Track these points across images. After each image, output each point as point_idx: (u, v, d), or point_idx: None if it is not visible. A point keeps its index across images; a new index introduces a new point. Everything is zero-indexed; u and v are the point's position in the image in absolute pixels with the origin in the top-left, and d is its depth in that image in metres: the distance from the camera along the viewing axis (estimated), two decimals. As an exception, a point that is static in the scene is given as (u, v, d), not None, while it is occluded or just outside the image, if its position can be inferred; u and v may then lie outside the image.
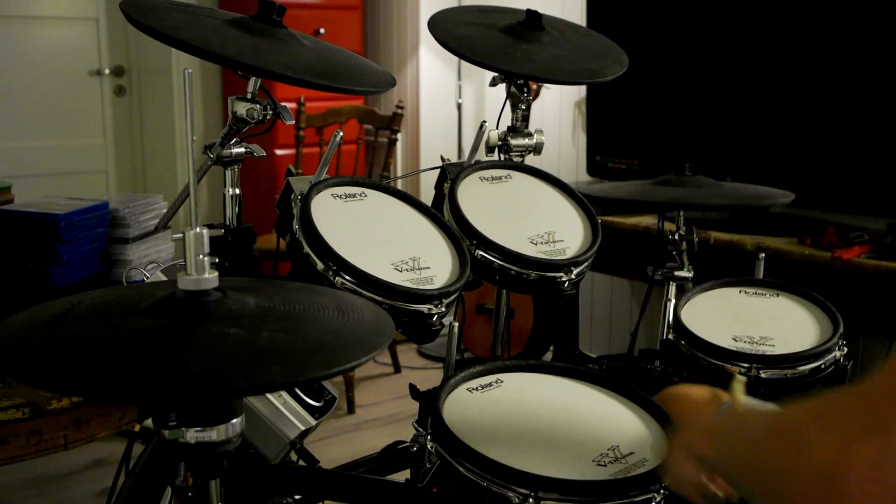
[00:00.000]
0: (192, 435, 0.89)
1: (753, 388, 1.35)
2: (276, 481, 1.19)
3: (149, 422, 0.96)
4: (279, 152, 4.07)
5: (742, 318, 1.52)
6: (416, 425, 1.18)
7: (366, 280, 1.21)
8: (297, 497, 1.21)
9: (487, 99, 4.19)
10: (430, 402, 1.17)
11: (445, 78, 4.31)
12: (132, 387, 0.77)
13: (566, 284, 1.41)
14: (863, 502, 0.62)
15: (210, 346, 0.81)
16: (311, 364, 0.80)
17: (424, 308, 1.25)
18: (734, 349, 1.41)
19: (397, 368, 3.82)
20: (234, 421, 0.92)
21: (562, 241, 1.47)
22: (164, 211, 1.80)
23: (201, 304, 0.87)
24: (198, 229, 0.91)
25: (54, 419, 1.37)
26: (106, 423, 1.46)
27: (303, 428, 1.19)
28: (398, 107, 3.69)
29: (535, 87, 3.51)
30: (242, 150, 1.41)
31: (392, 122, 3.69)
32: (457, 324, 1.24)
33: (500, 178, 1.57)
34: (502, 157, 1.66)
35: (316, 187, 1.31)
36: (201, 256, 0.89)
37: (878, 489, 0.61)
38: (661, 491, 1.08)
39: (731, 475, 0.85)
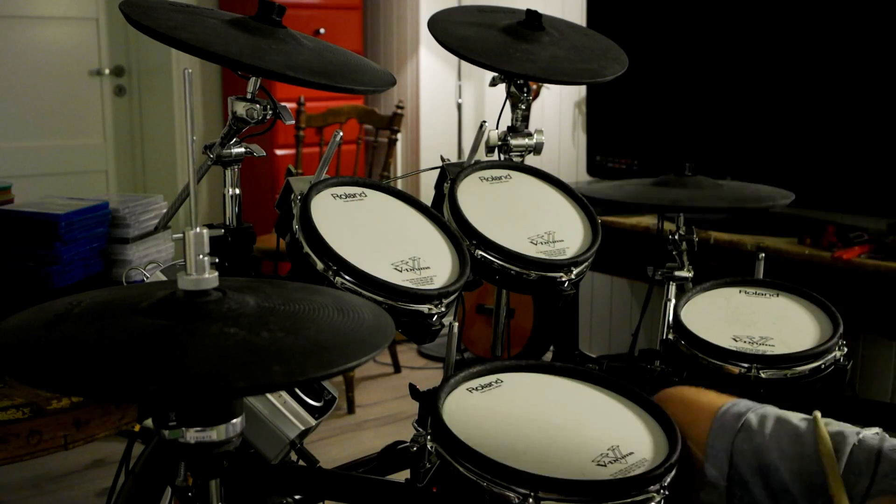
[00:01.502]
0: (192, 435, 0.89)
1: (753, 388, 1.36)
2: (276, 481, 1.18)
3: (149, 422, 0.96)
4: (279, 152, 4.08)
5: (742, 318, 1.52)
6: (416, 425, 1.18)
7: (366, 280, 1.21)
8: (297, 497, 1.21)
9: (487, 99, 4.19)
10: (430, 402, 1.17)
11: (445, 78, 4.31)
12: (132, 387, 0.77)
13: (566, 284, 1.41)
14: None
15: (210, 346, 0.81)
16: (311, 364, 0.80)
17: (424, 308, 1.25)
18: (734, 349, 1.41)
19: (397, 368, 3.82)
20: (234, 421, 0.92)
21: (562, 241, 1.47)
22: (164, 211, 1.80)
23: (201, 304, 0.87)
24: (198, 229, 0.91)
25: (54, 419, 1.37)
26: (106, 423, 1.46)
27: (303, 428, 1.19)
28: (398, 107, 3.70)
29: (535, 87, 3.51)
30: (242, 150, 1.41)
31: (392, 122, 3.69)
32: (457, 324, 1.24)
33: (500, 178, 1.57)
34: (502, 157, 1.66)
35: (316, 187, 1.31)
36: (201, 256, 0.89)
37: None
38: (661, 491, 1.08)
39: None
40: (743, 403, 1.25)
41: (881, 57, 2.43)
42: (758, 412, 1.22)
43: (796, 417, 1.20)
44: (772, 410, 1.23)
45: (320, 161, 1.33)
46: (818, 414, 1.19)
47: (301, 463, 1.25)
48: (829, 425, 1.19)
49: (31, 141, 4.13)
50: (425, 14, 4.20)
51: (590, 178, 3.30)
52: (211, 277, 0.89)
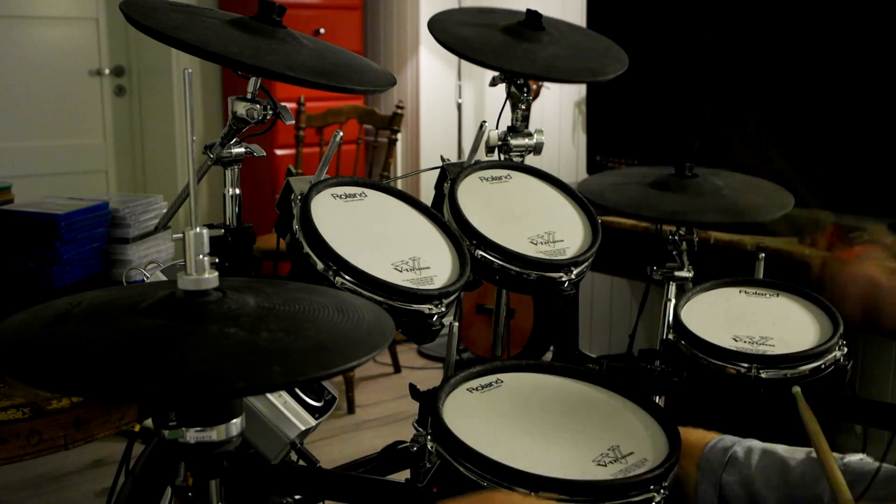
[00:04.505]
0: (192, 435, 0.89)
1: (753, 388, 1.36)
2: (276, 481, 1.18)
3: (149, 422, 0.96)
4: (279, 152, 4.08)
5: (742, 318, 1.51)
6: (416, 425, 1.18)
7: (366, 280, 1.21)
8: (297, 497, 1.21)
9: (487, 99, 4.19)
10: (430, 402, 1.17)
11: (445, 78, 4.31)
12: (132, 387, 0.77)
13: (566, 284, 1.41)
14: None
15: (210, 346, 0.81)
16: (311, 364, 0.80)
17: (424, 308, 1.25)
18: (734, 349, 1.40)
19: (397, 368, 3.82)
20: (234, 421, 0.92)
21: (562, 241, 1.47)
22: (164, 211, 1.80)
23: (201, 304, 0.87)
24: (198, 229, 0.91)
25: (54, 419, 1.37)
26: (106, 423, 1.46)
27: (303, 428, 1.19)
28: (398, 107, 3.70)
29: (535, 87, 3.51)
30: (242, 150, 1.41)
31: (392, 122, 3.69)
32: (457, 324, 1.24)
33: (500, 178, 1.57)
34: (502, 157, 1.66)
35: (316, 187, 1.31)
36: (201, 256, 0.89)
37: None
38: (661, 491, 1.08)
39: None
40: (728, 438, 1.27)
41: (881, 57, 2.43)
42: (743, 445, 1.25)
43: (780, 448, 1.23)
44: (757, 444, 1.26)
45: (320, 161, 1.33)
46: (798, 389, 1.21)
47: (301, 463, 1.25)
48: (810, 453, 1.21)
49: (31, 141, 4.13)
50: (425, 14, 4.20)
51: (587, 176, 3.30)
52: (211, 277, 0.89)
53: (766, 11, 2.68)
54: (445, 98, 4.31)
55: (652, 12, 3.00)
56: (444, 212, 1.45)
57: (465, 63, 3.13)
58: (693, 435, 1.29)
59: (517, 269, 1.39)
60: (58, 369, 0.79)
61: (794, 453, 1.24)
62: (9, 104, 4.04)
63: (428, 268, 1.31)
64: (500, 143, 1.64)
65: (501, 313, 1.79)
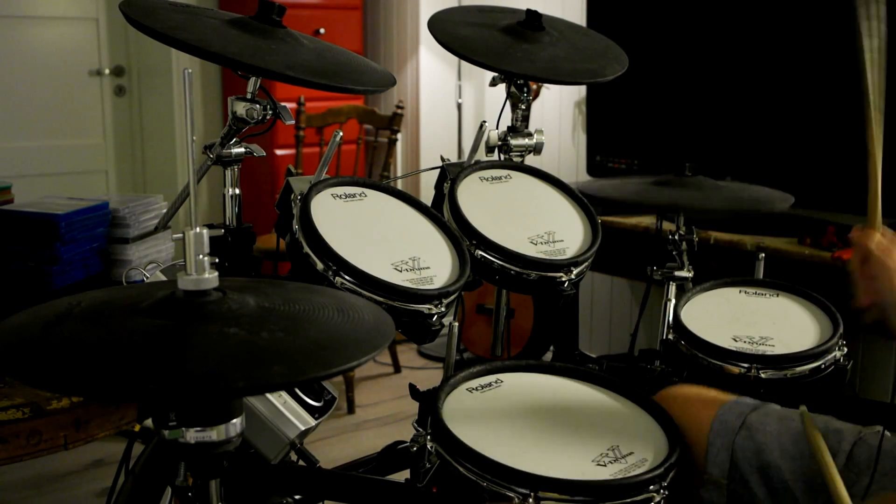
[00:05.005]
0: (192, 435, 0.89)
1: (753, 388, 1.36)
2: (276, 481, 1.19)
3: (149, 422, 0.96)
4: (279, 152, 4.08)
5: (742, 318, 1.52)
6: (416, 425, 1.18)
7: (366, 280, 1.21)
8: (297, 497, 1.21)
9: (487, 99, 4.19)
10: (430, 402, 1.18)
11: (445, 78, 4.31)
12: (132, 387, 0.77)
13: (566, 284, 1.41)
14: None
15: (210, 346, 0.81)
16: (311, 364, 0.80)
17: (424, 308, 1.25)
18: (734, 349, 1.41)
19: (397, 368, 3.82)
20: (234, 421, 0.92)
21: (562, 241, 1.48)
22: (164, 211, 1.80)
23: (201, 304, 0.87)
24: (198, 229, 0.91)
25: (54, 419, 1.37)
26: (106, 423, 1.46)
27: (303, 428, 1.19)
28: (398, 107, 3.70)
29: (535, 87, 3.51)
30: (242, 150, 1.41)
31: (392, 122, 3.69)
32: (457, 324, 1.24)
33: (500, 178, 1.57)
34: (502, 157, 1.66)
35: (316, 187, 1.32)
36: (201, 256, 0.89)
37: None
38: (661, 491, 1.08)
39: None
40: (745, 402, 1.25)
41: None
42: (760, 411, 1.23)
43: (798, 416, 1.21)
44: (774, 409, 1.23)
45: (320, 161, 1.33)
46: (804, 409, 1.20)
47: (301, 463, 1.25)
48: (829, 423, 1.20)
49: (31, 141, 4.13)
50: (425, 14, 4.20)
51: (590, 179, 3.30)
52: (211, 277, 0.89)
53: (768, 11, 2.68)
54: (445, 98, 4.31)
55: (652, 12, 3.00)
56: (444, 212, 1.45)
57: (465, 63, 3.12)
58: (708, 394, 1.28)
59: (517, 269, 1.39)
60: (58, 369, 0.79)
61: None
62: (9, 104, 4.04)
63: (428, 268, 1.31)
64: (500, 143, 1.64)
65: (501, 313, 1.79)
